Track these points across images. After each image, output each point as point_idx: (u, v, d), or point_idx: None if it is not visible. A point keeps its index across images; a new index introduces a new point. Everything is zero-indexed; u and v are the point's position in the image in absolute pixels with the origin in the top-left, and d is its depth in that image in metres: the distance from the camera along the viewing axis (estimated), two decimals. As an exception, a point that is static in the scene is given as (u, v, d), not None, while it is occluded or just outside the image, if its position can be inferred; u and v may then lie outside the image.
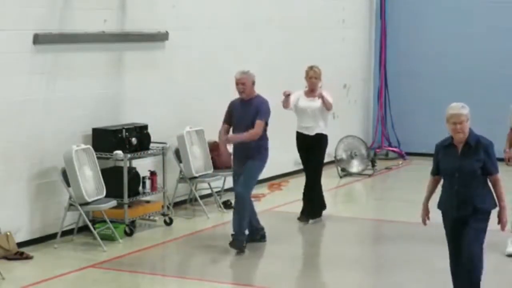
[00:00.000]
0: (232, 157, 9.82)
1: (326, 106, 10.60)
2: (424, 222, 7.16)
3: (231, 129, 9.70)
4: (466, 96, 15.12)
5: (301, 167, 14.37)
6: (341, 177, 14.35)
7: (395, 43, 16.50)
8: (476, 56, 15.68)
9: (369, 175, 14.49)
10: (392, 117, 16.45)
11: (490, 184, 6.92)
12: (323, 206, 11.01)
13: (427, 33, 16.17)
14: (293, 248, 9.99)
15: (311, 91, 10.75)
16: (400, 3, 16.47)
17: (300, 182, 13.81)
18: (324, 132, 10.76)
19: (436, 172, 7.07)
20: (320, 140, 10.74)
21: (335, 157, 14.59)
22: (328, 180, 14.17)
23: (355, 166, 14.58)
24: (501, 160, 9.16)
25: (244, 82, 9.48)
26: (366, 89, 16.76)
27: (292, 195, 11.56)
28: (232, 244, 9.37)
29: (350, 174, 14.45)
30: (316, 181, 10.87)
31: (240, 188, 9.42)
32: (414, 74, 16.30)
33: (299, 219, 10.87)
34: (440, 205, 7.02)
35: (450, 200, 6.89)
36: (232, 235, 9.42)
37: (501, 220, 6.90)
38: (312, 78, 10.76)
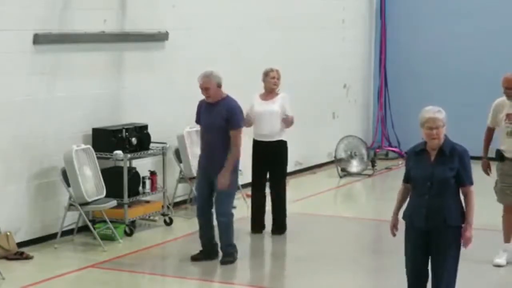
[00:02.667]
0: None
1: (287, 125, 10.07)
2: (393, 233, 6.64)
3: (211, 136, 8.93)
4: (466, 96, 15.36)
5: (300, 167, 14.51)
6: (341, 177, 14.34)
7: (395, 43, 16.50)
8: (476, 56, 15.68)
9: (369, 175, 14.49)
10: (392, 117, 16.46)
11: (462, 196, 6.43)
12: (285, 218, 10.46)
13: (427, 33, 16.17)
14: (292, 248, 9.98)
15: (270, 93, 10.20)
16: (400, 3, 16.48)
17: (300, 182, 13.87)
18: (284, 139, 10.17)
19: (408, 179, 6.56)
20: (283, 148, 10.14)
21: (335, 157, 14.60)
22: (328, 180, 14.21)
23: (355, 166, 14.58)
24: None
25: (207, 87, 8.77)
26: (366, 89, 16.76)
27: (292, 195, 11.51)
28: (224, 262, 8.98)
29: (350, 174, 14.45)
30: (283, 193, 10.33)
31: (222, 213, 8.92)
32: (414, 74, 16.30)
33: (255, 231, 10.32)
34: (405, 216, 6.52)
35: (418, 210, 6.38)
36: (221, 248, 9.08)
37: (464, 237, 6.36)
38: (275, 78, 10.16)
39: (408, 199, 6.64)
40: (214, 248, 9.16)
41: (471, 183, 6.42)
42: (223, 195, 8.93)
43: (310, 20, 14.66)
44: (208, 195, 9.07)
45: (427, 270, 6.54)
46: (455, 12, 15.89)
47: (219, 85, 8.87)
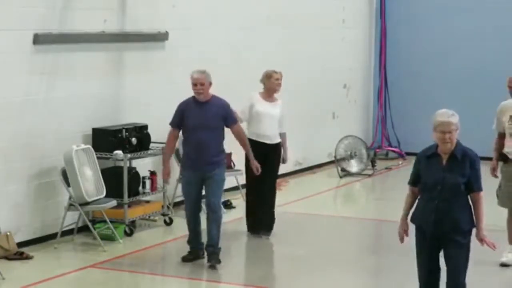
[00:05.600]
0: (181, 164, 9.21)
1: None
2: (402, 239, 6.52)
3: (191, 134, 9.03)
4: (466, 96, 15.36)
5: (300, 167, 14.51)
6: (341, 177, 14.34)
7: (395, 43, 16.51)
8: (476, 56, 15.68)
9: (369, 175, 14.49)
10: (392, 117, 16.45)
11: (470, 202, 6.35)
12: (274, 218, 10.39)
13: (427, 33, 16.17)
14: (293, 248, 9.98)
15: (270, 95, 10.15)
16: (400, 3, 16.48)
17: (300, 182, 13.87)
18: (280, 141, 10.22)
19: (416, 182, 6.44)
20: (279, 150, 10.12)
21: (335, 157, 14.60)
22: (328, 180, 14.21)
23: (355, 166, 14.58)
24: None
25: (203, 83, 8.87)
26: (366, 89, 16.76)
27: (292, 195, 11.54)
28: (212, 260, 8.90)
29: (350, 174, 14.45)
30: (275, 193, 10.25)
31: (214, 199, 8.91)
32: (414, 74, 16.30)
33: (253, 233, 10.21)
34: (414, 219, 6.44)
35: (427, 215, 6.29)
36: (207, 247, 8.96)
37: (484, 242, 6.34)
38: (279, 80, 10.12)
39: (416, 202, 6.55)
40: (202, 248, 9.11)
41: (481, 189, 6.33)
42: (216, 187, 8.91)
43: (310, 20, 14.66)
44: (198, 196, 9.06)
45: (438, 268, 6.45)
46: (456, 12, 15.88)
47: (210, 84, 9.01)
